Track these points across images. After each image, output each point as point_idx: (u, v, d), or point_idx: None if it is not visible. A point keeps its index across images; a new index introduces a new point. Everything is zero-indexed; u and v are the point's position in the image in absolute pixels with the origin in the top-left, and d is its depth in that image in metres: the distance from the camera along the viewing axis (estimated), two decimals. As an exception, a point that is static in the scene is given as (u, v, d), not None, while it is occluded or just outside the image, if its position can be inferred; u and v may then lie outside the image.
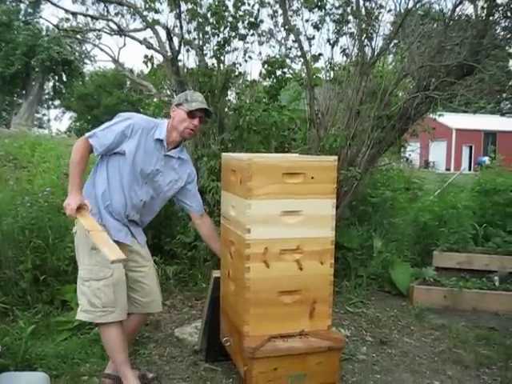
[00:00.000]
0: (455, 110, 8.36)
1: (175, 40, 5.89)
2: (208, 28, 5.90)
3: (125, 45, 7.55)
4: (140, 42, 6.38)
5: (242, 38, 5.97)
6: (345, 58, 6.32)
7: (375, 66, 6.33)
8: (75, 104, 47.67)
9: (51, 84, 39.87)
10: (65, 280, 4.96)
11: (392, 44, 6.63)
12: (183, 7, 5.81)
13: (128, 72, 8.55)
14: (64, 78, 38.57)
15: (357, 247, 6.38)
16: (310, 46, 6.14)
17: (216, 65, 6.04)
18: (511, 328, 5.22)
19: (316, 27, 6.00)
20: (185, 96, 3.64)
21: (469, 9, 7.23)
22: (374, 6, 6.10)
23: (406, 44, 6.41)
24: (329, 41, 6.05)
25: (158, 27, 6.23)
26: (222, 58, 5.99)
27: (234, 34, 5.89)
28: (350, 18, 6.04)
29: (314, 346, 3.31)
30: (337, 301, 5.45)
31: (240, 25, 5.89)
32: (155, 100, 7.47)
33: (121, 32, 6.84)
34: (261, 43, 6.42)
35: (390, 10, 6.24)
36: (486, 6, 6.10)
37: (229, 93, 6.50)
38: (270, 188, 3.22)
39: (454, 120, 35.48)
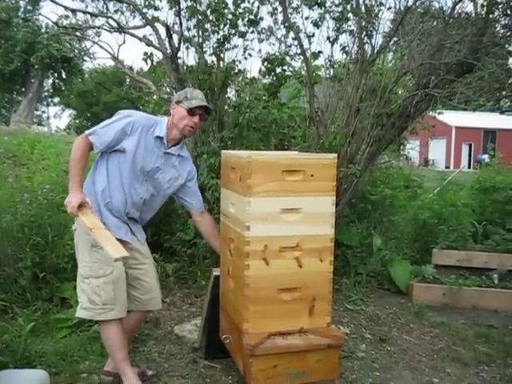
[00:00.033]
0: (455, 107, 8.35)
1: (175, 37, 5.90)
2: (208, 25, 5.90)
3: (124, 42, 7.57)
4: (139, 39, 6.38)
5: (242, 35, 5.96)
6: (344, 56, 6.33)
7: (375, 63, 6.33)
8: (75, 101, 47.64)
9: (50, 81, 39.84)
10: (64, 277, 4.96)
11: (392, 42, 6.62)
12: (183, 4, 5.82)
13: (127, 69, 8.56)
14: (63, 76, 38.50)
15: (356, 245, 6.38)
16: (310, 43, 6.15)
17: (216, 62, 6.03)
18: (510, 326, 5.23)
19: (316, 25, 5.99)
20: (184, 93, 3.64)
21: (468, 7, 7.22)
22: (373, 3, 6.09)
23: (405, 42, 6.40)
24: (328, 38, 6.05)
25: (157, 24, 6.23)
26: (221, 55, 5.99)
27: (233, 31, 5.88)
28: (350, 15, 6.04)
29: (313, 344, 3.31)
30: (336, 298, 5.45)
31: (240, 22, 5.89)
32: (155, 97, 7.46)
33: (120, 29, 6.83)
34: (260, 41, 6.41)
35: (389, 8, 6.24)
36: (485, 3, 6.09)
37: (228, 90, 6.50)
38: (270, 185, 3.22)
39: (454, 118, 35.49)
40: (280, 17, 6.39)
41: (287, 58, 6.28)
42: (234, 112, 5.87)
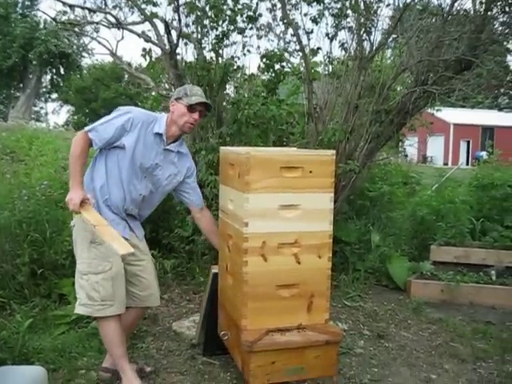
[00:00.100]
0: (453, 104, 8.37)
1: (173, 33, 5.88)
2: (206, 21, 5.89)
3: (123, 38, 7.56)
4: (138, 35, 6.37)
5: (241, 31, 5.96)
6: (343, 53, 6.33)
7: (374, 60, 6.33)
8: (73, 97, 47.53)
9: (49, 77, 39.72)
10: (62, 274, 4.96)
11: (390, 38, 6.62)
12: (181, 0, 5.80)
13: (126, 65, 8.54)
14: (62, 71, 38.41)
15: (355, 241, 6.39)
16: (309, 40, 6.15)
17: (214, 58, 6.03)
18: (508, 322, 5.24)
19: (315, 21, 5.99)
20: (184, 90, 3.63)
21: (467, 3, 7.21)
22: (372, 0, 6.09)
23: (404, 38, 6.40)
24: (327, 35, 6.05)
25: (156, 20, 6.23)
26: (220, 51, 5.99)
27: (232, 27, 5.88)
28: (349, 12, 6.04)
29: (311, 340, 3.31)
30: (334, 295, 5.45)
31: (238, 18, 5.88)
32: (153, 93, 7.45)
33: (119, 25, 6.81)
34: (259, 37, 6.42)
35: (388, 5, 6.26)
36: (484, 0, 6.09)
37: (227, 86, 6.50)
38: (268, 182, 3.22)
39: (452, 115, 35.53)
40: (279, 13, 6.40)
41: (286, 55, 6.30)
42: (233, 108, 5.87)
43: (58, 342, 4.14)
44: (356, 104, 6.03)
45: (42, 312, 4.66)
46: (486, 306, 5.65)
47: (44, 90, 41.74)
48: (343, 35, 6.21)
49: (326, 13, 5.98)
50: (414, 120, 7.03)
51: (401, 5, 6.08)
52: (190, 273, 5.87)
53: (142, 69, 9.32)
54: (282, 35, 6.51)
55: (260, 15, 6.08)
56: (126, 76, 36.52)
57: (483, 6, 6.11)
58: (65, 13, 8.06)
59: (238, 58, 6.11)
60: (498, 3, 6.17)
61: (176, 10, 5.76)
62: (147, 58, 6.17)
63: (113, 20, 6.81)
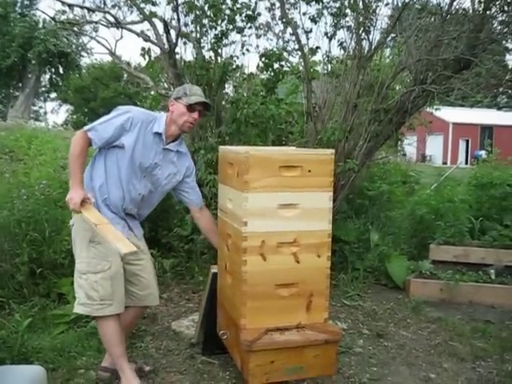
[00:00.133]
0: (452, 103, 8.37)
1: (172, 33, 5.88)
2: (205, 21, 5.89)
3: (122, 37, 7.52)
4: (137, 34, 6.37)
5: (240, 30, 5.96)
6: (342, 52, 6.33)
7: (372, 59, 6.33)
8: (72, 97, 47.52)
9: (48, 76, 39.70)
10: (61, 273, 4.96)
11: (389, 38, 6.63)
12: (180, 0, 5.80)
13: (125, 65, 8.54)
14: (61, 71, 38.38)
15: (354, 240, 6.40)
16: (308, 39, 6.15)
17: (213, 58, 6.03)
18: (507, 321, 5.24)
19: (313, 20, 5.99)
20: (183, 90, 3.63)
21: (466, 3, 7.23)
22: (371, -1, 6.10)
23: (403, 38, 6.39)
24: (326, 34, 6.05)
25: (155, 20, 6.23)
26: (219, 50, 5.99)
27: (231, 26, 5.87)
28: (348, 11, 6.04)
29: (310, 339, 3.31)
30: (333, 294, 5.45)
31: (237, 18, 5.88)
32: (152, 93, 7.45)
33: (118, 24, 6.81)
34: (258, 36, 6.42)
35: (387, 4, 6.26)
36: (483, 0, 6.09)
37: (226, 86, 6.49)
38: (267, 181, 3.22)
39: (451, 114, 35.49)
40: (278, 12, 6.41)
41: (285, 54, 6.29)
42: (232, 107, 5.87)
43: (57, 342, 4.14)
44: (355, 103, 6.03)
45: (41, 311, 4.66)
46: (485, 305, 5.66)
47: (43, 89, 41.73)
48: (342, 34, 6.20)
49: (325, 12, 5.98)
50: (412, 119, 7.02)
51: (400, 4, 6.09)
52: (189, 272, 5.87)
53: (141, 68, 9.32)
54: (280, 34, 6.52)
55: (259, 14, 6.09)
56: (125, 75, 36.56)
57: (482, 5, 6.11)
58: (64, 12, 8.05)
59: (237, 58, 6.12)
60: (497, 2, 6.16)
61: (175, 9, 5.75)
62: (146, 57, 6.17)
63: (112, 19, 6.81)
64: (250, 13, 5.93)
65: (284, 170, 3.25)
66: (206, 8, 5.81)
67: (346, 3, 5.99)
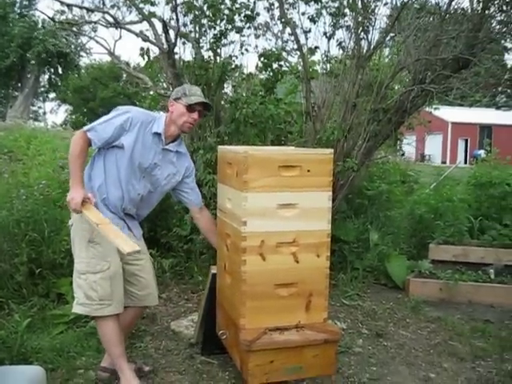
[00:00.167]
0: (451, 103, 8.38)
1: (171, 33, 5.88)
2: (204, 21, 5.89)
3: (121, 37, 7.53)
4: (136, 34, 6.37)
5: (239, 30, 5.95)
6: (341, 51, 6.33)
7: (371, 59, 6.33)
8: (71, 97, 47.57)
9: (47, 77, 39.74)
10: (60, 273, 4.95)
11: (388, 37, 6.62)
12: (179, 0, 5.80)
13: (124, 65, 8.54)
14: (60, 71, 38.43)
15: (353, 240, 6.39)
16: (307, 39, 6.16)
17: (212, 58, 6.02)
18: (506, 320, 5.24)
19: (312, 20, 5.99)
20: (183, 90, 3.63)
21: (465, 2, 7.24)
22: (370, -1, 6.10)
23: (402, 37, 6.40)
24: (325, 34, 6.05)
25: (154, 20, 6.22)
26: (218, 50, 5.98)
27: (230, 26, 5.87)
28: (347, 11, 6.03)
29: (310, 339, 3.31)
30: (333, 294, 5.45)
31: (236, 18, 5.88)
32: (151, 93, 7.45)
33: (117, 24, 6.82)
34: (257, 36, 6.42)
35: (386, 4, 6.25)
36: (481, -1, 6.10)
37: (225, 86, 6.48)
38: (266, 181, 3.22)
39: (450, 113, 35.52)
40: (276, 12, 6.40)
41: (284, 54, 6.29)
42: (231, 107, 5.87)
43: (57, 342, 4.14)
44: (354, 103, 6.03)
45: (40, 311, 4.65)
46: (484, 305, 5.66)
47: (42, 89, 41.78)
48: (341, 34, 6.20)
49: (324, 12, 5.98)
50: (411, 118, 7.02)
51: (398, 3, 6.09)
52: (189, 272, 5.86)
53: (140, 68, 9.29)
54: (279, 34, 6.51)
55: (258, 14, 6.09)
56: (124, 75, 36.61)
57: (481, 4, 6.11)
58: (63, 12, 8.07)
59: (236, 57, 6.11)
60: (496, 2, 6.16)
61: (174, 9, 5.75)
62: (145, 57, 6.16)
63: (111, 19, 6.82)
64: (248, 13, 5.93)
65: (283, 169, 3.25)
66: (204, 8, 5.81)
67: (345, 3, 5.99)
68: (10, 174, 6.10)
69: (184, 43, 6.05)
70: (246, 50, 6.12)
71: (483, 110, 36.93)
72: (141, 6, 6.24)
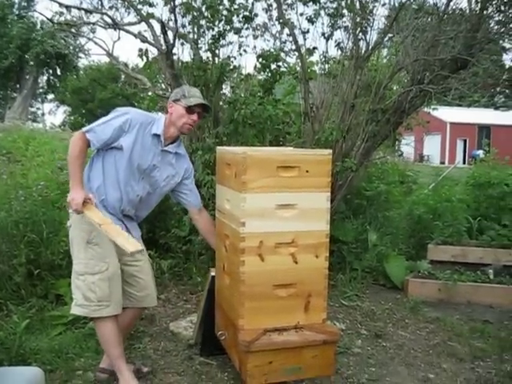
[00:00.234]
0: (449, 103, 8.36)
1: (170, 34, 5.87)
2: (203, 22, 5.89)
3: (119, 38, 7.50)
4: (134, 35, 6.35)
5: (237, 31, 5.95)
6: (339, 52, 6.32)
7: (370, 59, 6.33)
8: (69, 98, 47.59)
9: (45, 78, 39.76)
10: (59, 274, 4.95)
11: (386, 38, 6.62)
12: (178, 1, 5.80)
13: (122, 66, 8.51)
14: (58, 72, 38.45)
15: (352, 240, 6.39)
16: (305, 39, 6.15)
17: (211, 58, 6.02)
18: (505, 321, 5.24)
19: (310, 21, 5.99)
20: (182, 91, 3.63)
21: (463, 3, 7.25)
22: (368, -1, 6.10)
23: (400, 38, 6.40)
24: (323, 34, 6.05)
25: (152, 21, 6.21)
26: (216, 51, 5.98)
27: (228, 27, 5.87)
28: (345, 11, 6.03)
29: (309, 340, 3.31)
30: (332, 294, 5.46)
31: (235, 18, 5.88)
32: (150, 94, 7.44)
33: (115, 25, 6.80)
34: (255, 37, 6.40)
35: (384, 4, 6.27)
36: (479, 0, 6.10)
37: (223, 86, 6.48)
38: (265, 181, 3.22)
39: (449, 114, 35.55)
40: (275, 13, 6.39)
41: (282, 55, 6.28)
42: (229, 108, 5.87)
43: (55, 343, 4.14)
44: (352, 103, 6.03)
45: (38, 313, 4.65)
46: (483, 305, 5.66)
47: (41, 90, 41.82)
48: (339, 35, 6.19)
49: (322, 12, 5.97)
50: (410, 119, 7.04)
51: (396, 4, 6.08)
52: (187, 273, 5.86)
53: (139, 69, 9.31)
54: (278, 35, 6.50)
55: (256, 15, 6.08)
56: (123, 76, 36.56)
57: (479, 4, 6.11)
58: (61, 14, 8.03)
59: (235, 58, 6.11)
60: (494, 2, 6.17)
61: (172, 10, 5.74)
62: (144, 58, 6.16)
63: (109, 20, 6.80)
64: (247, 14, 5.92)
65: (282, 170, 3.25)
66: (203, 9, 5.80)
67: (343, 3, 5.99)
68: (8, 175, 6.10)
69: (182, 44, 6.05)
70: (245, 50, 6.12)
71: (482, 111, 36.89)
72: (139, 7, 6.22)
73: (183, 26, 5.98)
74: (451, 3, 6.18)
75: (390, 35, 6.64)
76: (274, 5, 6.26)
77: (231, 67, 6.14)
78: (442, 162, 37.14)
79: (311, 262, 3.37)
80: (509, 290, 5.79)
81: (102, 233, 3.20)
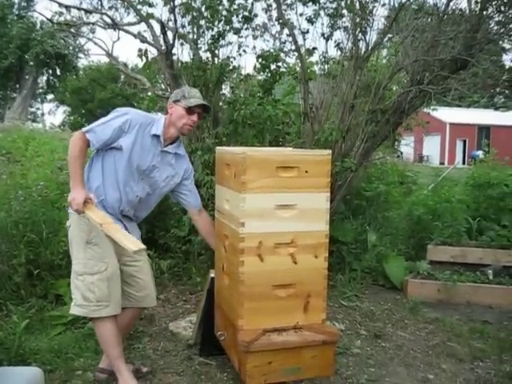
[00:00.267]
0: (449, 104, 8.37)
1: (169, 34, 5.88)
2: (202, 22, 5.89)
3: (119, 38, 7.51)
4: (134, 35, 6.36)
5: (236, 31, 5.95)
6: (339, 52, 6.31)
7: (369, 60, 6.33)
8: (69, 98, 47.60)
9: (45, 78, 39.80)
10: (59, 274, 4.96)
11: (386, 38, 6.62)
12: (177, 1, 5.80)
13: (122, 66, 8.51)
14: (58, 72, 38.48)
15: (351, 241, 6.39)
16: (305, 40, 6.15)
17: (210, 59, 6.02)
18: (505, 321, 5.24)
19: (310, 21, 5.99)
20: (182, 92, 3.63)
21: (463, 3, 7.24)
22: (368, 0, 6.09)
23: (400, 38, 6.40)
24: (323, 35, 6.04)
25: (152, 21, 6.21)
26: (216, 51, 5.98)
27: (228, 27, 5.87)
28: (344, 12, 6.03)
29: (308, 340, 3.31)
30: (331, 295, 5.45)
31: (234, 19, 5.88)
32: (149, 94, 7.45)
33: (115, 26, 6.80)
34: (255, 37, 6.41)
35: (383, 5, 6.26)
36: (479, 0, 6.09)
37: (223, 87, 6.48)
38: (264, 182, 3.22)
39: (448, 114, 35.58)
40: (274, 13, 6.39)
41: (281, 55, 6.28)
42: (229, 108, 5.87)
43: (55, 343, 4.14)
44: (352, 104, 6.03)
45: (38, 313, 4.66)
46: (483, 306, 5.66)
47: (40, 90, 41.83)
48: (339, 35, 6.21)
49: (322, 13, 5.97)
50: (410, 119, 7.03)
51: (396, 4, 6.08)
52: (187, 273, 5.86)
53: (138, 69, 9.31)
54: (277, 35, 6.50)
55: (255, 15, 6.08)
56: (122, 77, 36.56)
57: (478, 5, 6.10)
58: (61, 14, 8.04)
59: (234, 59, 6.10)
60: (494, 2, 6.16)
61: (172, 10, 5.75)
62: (143, 58, 6.15)
63: (109, 21, 6.80)
64: (246, 14, 5.92)
65: (281, 170, 3.25)
66: (202, 9, 5.81)
67: (343, 4, 5.99)
68: (8, 176, 6.09)
69: (182, 44, 6.04)
70: (244, 51, 6.12)
71: (481, 111, 36.96)
72: (139, 7, 6.22)
73: (183, 27, 5.99)
74: (451, 3, 6.19)
75: (389, 35, 6.63)
76: (274, 5, 6.26)
77: (231, 67, 6.13)
78: (442, 163, 37.15)
79: (310, 263, 3.37)
80: (508, 290, 5.79)
81: (103, 232, 3.20)
